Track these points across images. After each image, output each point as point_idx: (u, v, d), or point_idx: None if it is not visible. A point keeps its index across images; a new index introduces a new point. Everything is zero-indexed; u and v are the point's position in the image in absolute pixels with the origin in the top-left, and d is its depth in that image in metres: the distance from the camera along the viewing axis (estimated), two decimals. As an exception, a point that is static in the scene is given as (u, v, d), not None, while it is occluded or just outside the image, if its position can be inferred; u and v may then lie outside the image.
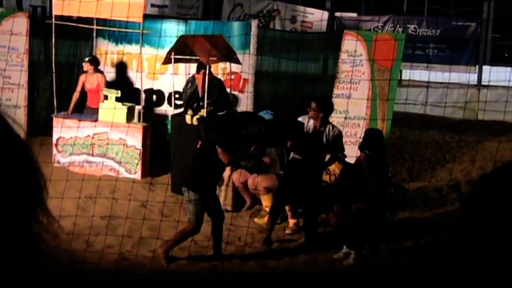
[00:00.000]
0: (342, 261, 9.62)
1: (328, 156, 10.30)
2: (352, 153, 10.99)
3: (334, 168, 10.63)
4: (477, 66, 20.89)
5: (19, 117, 13.04)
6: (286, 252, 9.98)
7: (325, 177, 10.59)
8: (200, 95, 12.07)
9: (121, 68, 13.60)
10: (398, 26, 20.75)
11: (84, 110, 12.91)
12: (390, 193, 10.04)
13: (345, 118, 12.28)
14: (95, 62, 12.89)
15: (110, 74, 13.36)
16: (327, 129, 10.12)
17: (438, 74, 19.46)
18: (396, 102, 12.77)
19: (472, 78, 20.57)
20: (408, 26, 20.76)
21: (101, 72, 13.05)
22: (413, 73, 19.42)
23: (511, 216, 0.93)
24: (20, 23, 13.60)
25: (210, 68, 11.98)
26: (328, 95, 12.33)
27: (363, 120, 12.26)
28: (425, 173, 13.70)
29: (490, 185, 1.00)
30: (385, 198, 9.87)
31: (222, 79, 12.47)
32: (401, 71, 16.19)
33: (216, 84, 12.06)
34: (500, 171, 1.02)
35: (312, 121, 10.18)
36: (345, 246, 9.74)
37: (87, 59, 12.89)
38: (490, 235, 0.94)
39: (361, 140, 10.55)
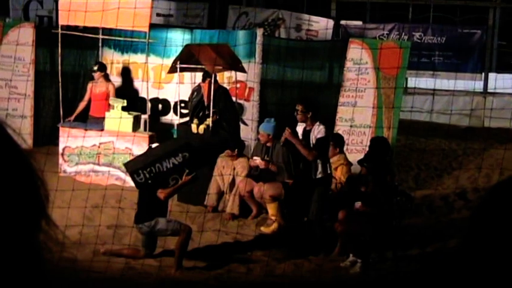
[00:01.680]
0: (349, 270, 9.59)
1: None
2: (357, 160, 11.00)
3: (340, 176, 10.63)
4: (483, 74, 20.83)
5: (25, 127, 13.09)
6: (293, 261, 9.96)
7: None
8: (206, 103, 12.08)
9: (127, 77, 13.63)
10: (403, 33, 20.73)
11: (88, 119, 12.92)
12: (396, 201, 10.02)
13: (351, 126, 12.28)
14: (103, 69, 12.92)
15: (116, 83, 13.38)
16: (313, 128, 10.19)
17: (444, 82, 19.44)
18: (402, 110, 12.77)
19: (478, 85, 20.53)
20: (413, 33, 20.72)
21: (110, 80, 13.09)
22: (418, 81, 19.40)
23: None
24: (26, 33, 13.64)
25: (215, 76, 11.99)
26: (334, 103, 12.37)
27: (368, 128, 12.26)
28: (432, 181, 13.68)
29: (500, 195, 1.00)
30: (391, 206, 9.86)
31: (228, 88, 12.48)
32: (406, 79, 16.22)
33: (222, 93, 12.06)
34: (509, 181, 1.02)
35: (300, 126, 10.26)
36: (351, 255, 9.73)
37: (95, 67, 12.91)
38: (500, 244, 0.94)
39: (367, 148, 10.57)
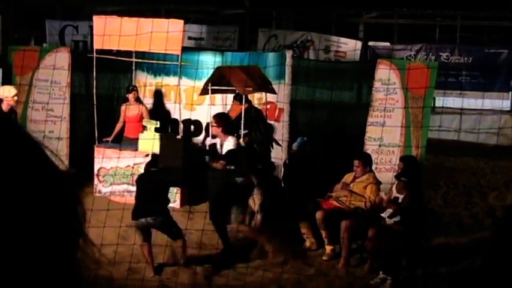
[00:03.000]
0: (379, 287, 9.55)
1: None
2: (387, 180, 10.97)
3: (370, 195, 10.59)
4: (510, 93, 20.74)
5: (61, 148, 13.17)
6: (324, 278, 9.93)
7: (361, 204, 10.55)
8: (236, 123, 12.09)
9: (159, 99, 13.70)
10: (430, 54, 20.69)
11: (122, 140, 12.99)
12: (426, 219, 9.98)
13: (379, 146, 12.24)
14: (136, 91, 13.00)
15: (149, 105, 13.46)
16: (226, 140, 10.90)
17: (471, 101, 19.40)
18: (430, 129, 12.70)
19: (506, 104, 20.46)
20: (440, 54, 20.68)
21: (142, 102, 13.16)
22: (446, 100, 19.34)
23: None
24: (62, 58, 13.76)
25: (247, 97, 12.02)
26: (363, 123, 12.35)
27: (397, 147, 12.21)
28: (460, 199, 13.60)
29: None
30: (422, 224, 9.82)
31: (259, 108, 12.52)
32: (434, 98, 16.11)
33: (254, 114, 12.08)
34: None
35: (218, 140, 10.96)
36: (381, 272, 9.68)
37: (131, 88, 12.98)
38: None
39: (396, 167, 10.57)
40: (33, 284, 0.93)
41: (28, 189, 0.95)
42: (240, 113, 11.92)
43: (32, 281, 0.92)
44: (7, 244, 0.91)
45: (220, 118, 11.09)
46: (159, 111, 13.42)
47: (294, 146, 11.41)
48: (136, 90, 13.02)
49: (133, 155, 12.41)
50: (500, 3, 22.37)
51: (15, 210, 0.93)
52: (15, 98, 11.79)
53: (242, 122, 11.80)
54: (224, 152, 10.78)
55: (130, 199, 12.10)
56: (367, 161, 10.93)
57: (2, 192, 0.93)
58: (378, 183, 10.73)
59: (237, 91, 12.16)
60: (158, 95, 13.70)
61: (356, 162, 10.75)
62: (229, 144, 10.82)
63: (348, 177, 10.84)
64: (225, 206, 10.44)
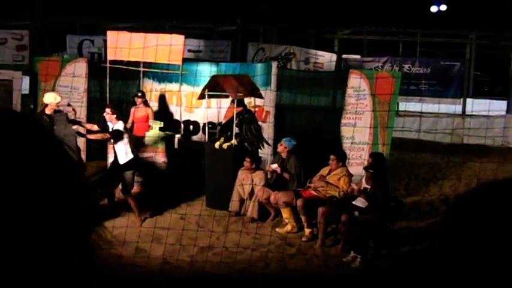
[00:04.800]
0: (350, 264, 9.55)
1: None
2: (357, 172, 10.98)
3: (343, 185, 10.58)
4: (462, 99, 20.81)
5: (80, 145, 13.10)
6: (303, 257, 9.92)
7: (335, 193, 10.54)
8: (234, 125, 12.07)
9: (163, 103, 13.65)
10: (395, 65, 20.71)
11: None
12: (390, 206, 9.98)
13: (351, 143, 12.24)
14: (143, 96, 12.96)
15: (154, 107, 13.41)
16: (116, 124, 11.14)
17: (429, 106, 19.45)
18: (394, 129, 12.70)
19: (458, 109, 20.50)
20: (403, 65, 20.71)
21: (149, 105, 13.12)
22: (408, 105, 19.40)
23: (481, 230, 0.93)
24: (81, 67, 13.71)
25: (242, 101, 11.98)
26: (337, 124, 12.35)
27: (366, 145, 12.20)
28: (420, 189, 13.61)
29: (463, 205, 1.00)
30: (387, 210, 9.82)
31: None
32: (398, 103, 16.12)
33: (246, 117, 12.03)
34: (471, 194, 1.01)
35: (110, 124, 11.20)
36: (352, 251, 9.67)
37: (139, 93, 12.92)
38: (466, 246, 0.94)
39: (366, 161, 10.58)
40: (63, 256, 0.93)
41: (50, 182, 0.94)
42: (232, 116, 11.88)
43: (61, 256, 0.93)
44: (37, 228, 0.91)
45: (114, 107, 11.25)
46: (163, 113, 13.37)
47: (283, 140, 11.44)
48: (143, 95, 12.96)
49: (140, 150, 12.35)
50: (453, 23, 22.53)
51: (39, 198, 0.91)
52: (59, 104, 11.62)
53: (235, 122, 11.77)
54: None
55: (137, 188, 12.09)
56: (341, 157, 10.94)
57: (28, 184, 0.91)
58: (349, 175, 10.73)
59: (229, 96, 12.13)
60: (162, 99, 13.64)
61: (332, 157, 10.76)
62: (118, 126, 10.98)
63: (324, 170, 10.84)
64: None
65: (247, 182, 11.43)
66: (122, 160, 10.96)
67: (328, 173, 10.77)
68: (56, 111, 11.50)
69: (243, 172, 11.51)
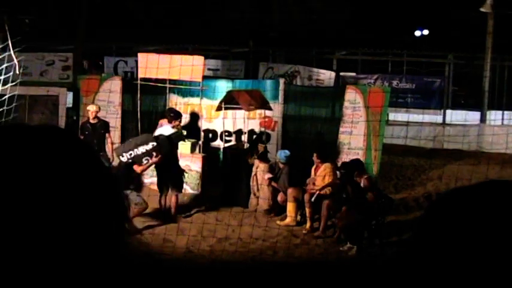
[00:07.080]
0: (347, 253, 9.49)
1: None
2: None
3: (329, 181, 10.45)
4: (442, 110, 20.79)
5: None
6: (307, 246, 9.86)
7: (325, 192, 10.41)
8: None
9: (191, 116, 13.55)
10: (385, 81, 20.70)
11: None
12: (381, 202, 9.91)
13: (348, 148, 12.18)
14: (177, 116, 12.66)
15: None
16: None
17: (414, 116, 19.46)
18: (385, 136, 12.63)
19: (439, 118, 20.49)
20: (392, 81, 20.70)
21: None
22: (396, 115, 19.33)
23: (456, 230, 0.91)
24: (116, 84, 13.73)
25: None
26: (335, 132, 12.30)
27: (361, 150, 12.12)
28: (407, 188, 13.56)
29: (439, 207, 0.97)
30: (378, 206, 9.76)
31: (259, 121, 12.49)
32: (388, 114, 16.04)
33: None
34: (446, 196, 0.98)
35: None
36: (348, 242, 9.61)
37: (171, 114, 12.47)
38: (441, 243, 0.93)
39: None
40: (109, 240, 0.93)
41: (85, 186, 0.91)
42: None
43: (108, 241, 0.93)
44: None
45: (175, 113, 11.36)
46: (189, 123, 13.16)
47: (277, 155, 11.35)
48: (170, 115, 12.59)
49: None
50: (434, 45, 22.54)
51: (87, 202, 0.90)
52: (94, 112, 11.98)
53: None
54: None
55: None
56: (321, 154, 10.81)
57: (65, 188, 0.89)
58: (333, 169, 10.59)
59: (242, 108, 12.10)
60: (191, 114, 13.37)
61: (314, 155, 10.69)
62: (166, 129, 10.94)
63: (313, 169, 10.76)
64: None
65: (255, 170, 11.35)
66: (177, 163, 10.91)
67: (316, 171, 10.68)
68: (98, 120, 12.00)
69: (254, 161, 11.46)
